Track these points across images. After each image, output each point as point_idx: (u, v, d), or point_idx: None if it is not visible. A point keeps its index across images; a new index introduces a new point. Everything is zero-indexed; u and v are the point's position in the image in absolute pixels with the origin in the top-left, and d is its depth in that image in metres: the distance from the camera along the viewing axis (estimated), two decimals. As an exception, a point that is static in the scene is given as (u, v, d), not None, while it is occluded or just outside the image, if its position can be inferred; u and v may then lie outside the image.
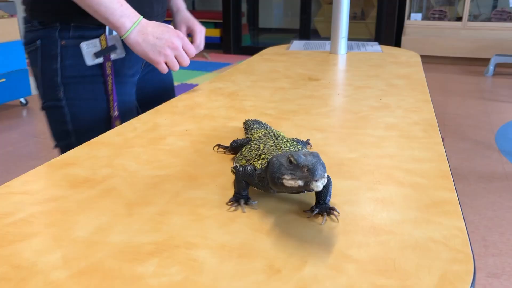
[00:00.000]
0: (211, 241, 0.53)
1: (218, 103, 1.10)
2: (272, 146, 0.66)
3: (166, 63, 1.01)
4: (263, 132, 0.76)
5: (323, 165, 0.52)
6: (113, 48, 1.03)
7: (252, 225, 0.56)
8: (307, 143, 0.82)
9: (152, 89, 1.28)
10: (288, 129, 0.91)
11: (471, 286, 0.46)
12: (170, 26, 1.04)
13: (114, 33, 1.03)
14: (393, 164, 0.75)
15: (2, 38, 3.55)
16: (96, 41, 1.02)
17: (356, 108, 1.07)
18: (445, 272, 0.48)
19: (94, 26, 1.01)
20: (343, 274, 0.47)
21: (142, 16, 0.99)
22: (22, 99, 3.89)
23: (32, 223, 0.56)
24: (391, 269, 0.48)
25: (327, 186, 0.59)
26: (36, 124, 3.52)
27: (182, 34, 1.02)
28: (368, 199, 0.63)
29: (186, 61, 1.04)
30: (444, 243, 0.53)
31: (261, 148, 0.66)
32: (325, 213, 0.58)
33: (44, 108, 1.05)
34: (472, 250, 0.52)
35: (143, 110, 1.23)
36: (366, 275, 0.47)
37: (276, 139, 0.69)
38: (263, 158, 0.62)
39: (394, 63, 1.58)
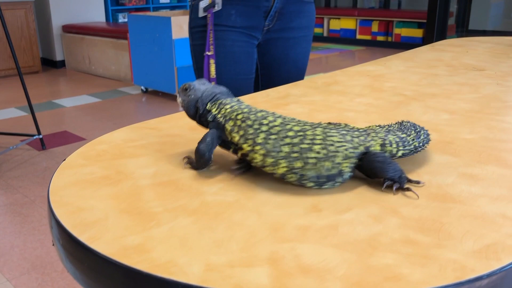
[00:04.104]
0: (274, 180, 0.58)
1: (358, 82, 1.11)
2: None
3: None
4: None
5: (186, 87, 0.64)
6: (213, 4, 1.23)
7: (320, 175, 0.59)
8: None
9: (273, 57, 1.37)
10: (414, 108, 0.89)
11: (519, 260, 0.42)
12: None
13: None
14: (511, 149, 0.68)
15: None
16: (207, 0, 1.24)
17: (509, 97, 0.97)
18: (495, 243, 0.44)
19: None
20: (381, 224, 0.47)
21: None
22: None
23: (147, 148, 0.69)
24: (435, 230, 0.46)
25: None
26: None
27: None
28: (456, 172, 0.60)
29: None
30: (517, 220, 0.48)
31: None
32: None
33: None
34: (545, 231, 0.46)
35: (263, 75, 1.40)
36: (404, 229, 0.46)
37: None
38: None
39: None
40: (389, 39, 6.98)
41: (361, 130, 0.60)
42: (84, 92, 4.65)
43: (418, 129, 0.65)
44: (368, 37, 7.20)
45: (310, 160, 0.53)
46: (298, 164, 0.53)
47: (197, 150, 0.59)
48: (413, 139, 0.62)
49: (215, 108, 0.61)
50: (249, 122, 0.57)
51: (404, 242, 0.44)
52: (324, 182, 0.54)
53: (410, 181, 0.56)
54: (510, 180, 0.58)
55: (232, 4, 1.25)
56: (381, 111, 0.88)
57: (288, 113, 0.86)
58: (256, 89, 1.45)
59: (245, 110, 0.59)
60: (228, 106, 0.60)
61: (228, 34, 1.27)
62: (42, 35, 5.88)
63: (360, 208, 0.51)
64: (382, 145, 0.58)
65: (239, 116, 0.58)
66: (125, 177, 0.58)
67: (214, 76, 1.23)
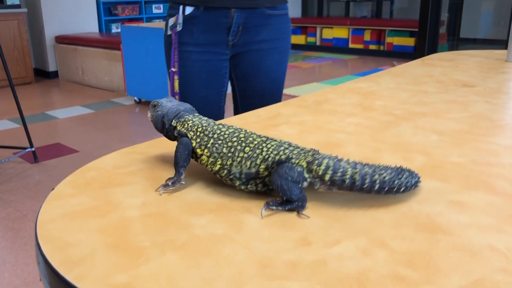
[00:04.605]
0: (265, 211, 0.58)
1: (348, 100, 1.12)
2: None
3: None
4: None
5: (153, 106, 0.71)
6: (176, 24, 1.31)
7: (308, 204, 0.59)
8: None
9: (245, 69, 1.43)
10: (404, 129, 0.89)
11: (506, 297, 0.42)
12: None
13: (180, 13, 1.31)
14: (499, 173, 0.68)
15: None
16: (173, 18, 1.32)
17: (497, 116, 0.97)
18: (483, 278, 0.44)
19: (177, 6, 1.33)
20: (369, 258, 0.47)
21: None
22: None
23: (135, 175, 0.68)
24: (424, 264, 0.46)
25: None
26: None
27: None
28: (445, 200, 0.60)
29: None
30: (504, 253, 0.48)
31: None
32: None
33: None
34: (532, 264, 0.46)
35: (238, 86, 1.46)
36: (393, 264, 0.46)
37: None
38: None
39: None
40: (381, 47, 7.03)
41: (308, 149, 0.60)
42: (77, 103, 4.64)
43: (390, 172, 0.58)
44: (360, 46, 7.24)
45: (238, 159, 0.61)
46: (229, 161, 0.62)
47: (177, 150, 0.65)
48: (357, 173, 0.56)
49: (180, 124, 0.69)
50: (206, 132, 0.66)
51: (392, 278, 0.44)
52: (245, 180, 0.61)
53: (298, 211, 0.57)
54: (497, 208, 0.58)
55: (193, 23, 1.32)
56: (371, 132, 0.88)
57: (279, 135, 0.86)
58: (234, 99, 1.48)
59: (204, 124, 0.68)
60: (190, 122, 0.68)
61: (189, 55, 1.34)
62: (35, 45, 5.87)
63: (349, 241, 0.51)
64: (310, 163, 0.58)
65: (199, 129, 0.67)
66: (113, 208, 0.58)
67: (178, 91, 1.31)
